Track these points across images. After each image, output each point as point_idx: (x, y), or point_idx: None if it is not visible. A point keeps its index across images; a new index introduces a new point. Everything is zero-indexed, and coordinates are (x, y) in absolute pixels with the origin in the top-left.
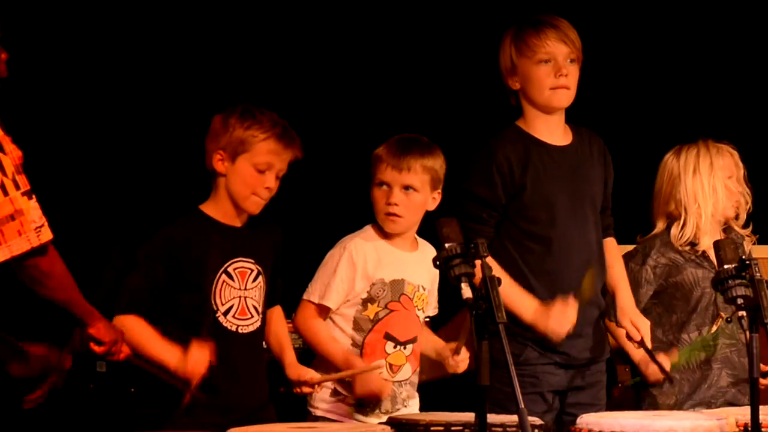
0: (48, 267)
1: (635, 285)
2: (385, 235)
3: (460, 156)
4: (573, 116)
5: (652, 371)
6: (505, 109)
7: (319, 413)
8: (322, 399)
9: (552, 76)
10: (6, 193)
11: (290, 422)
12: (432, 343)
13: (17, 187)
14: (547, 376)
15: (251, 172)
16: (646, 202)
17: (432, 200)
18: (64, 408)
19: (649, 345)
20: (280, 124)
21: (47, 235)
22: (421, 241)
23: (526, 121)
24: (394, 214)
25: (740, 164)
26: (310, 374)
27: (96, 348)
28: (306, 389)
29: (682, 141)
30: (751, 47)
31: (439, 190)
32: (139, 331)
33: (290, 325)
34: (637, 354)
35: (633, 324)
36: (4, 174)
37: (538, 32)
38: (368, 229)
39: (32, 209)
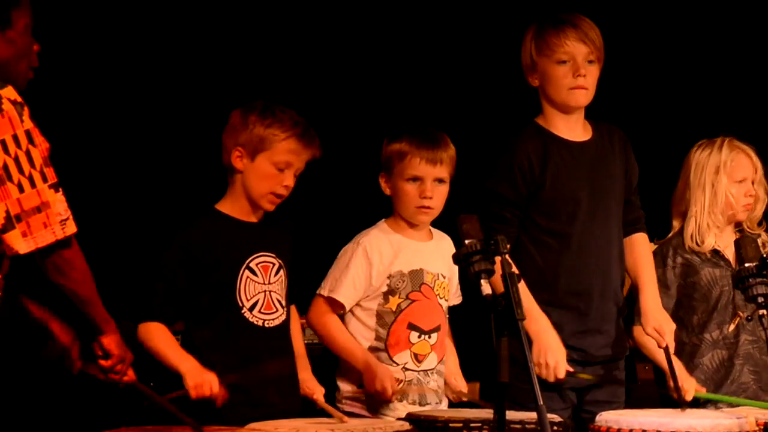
0: (71, 258)
1: (665, 289)
2: (400, 228)
3: (479, 153)
4: (596, 113)
5: (685, 389)
6: (524, 106)
7: (347, 409)
8: (349, 393)
9: (570, 76)
10: (33, 185)
11: (314, 417)
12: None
13: (44, 180)
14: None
15: (271, 171)
16: (656, 202)
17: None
18: (82, 401)
19: (672, 350)
20: (301, 124)
21: (72, 228)
22: (434, 231)
23: (546, 118)
24: (428, 207)
25: (758, 166)
26: (317, 395)
27: (102, 361)
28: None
29: (708, 137)
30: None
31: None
32: (159, 337)
33: (303, 321)
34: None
35: (657, 331)
36: (33, 166)
37: (558, 31)
38: (382, 224)
39: (58, 202)
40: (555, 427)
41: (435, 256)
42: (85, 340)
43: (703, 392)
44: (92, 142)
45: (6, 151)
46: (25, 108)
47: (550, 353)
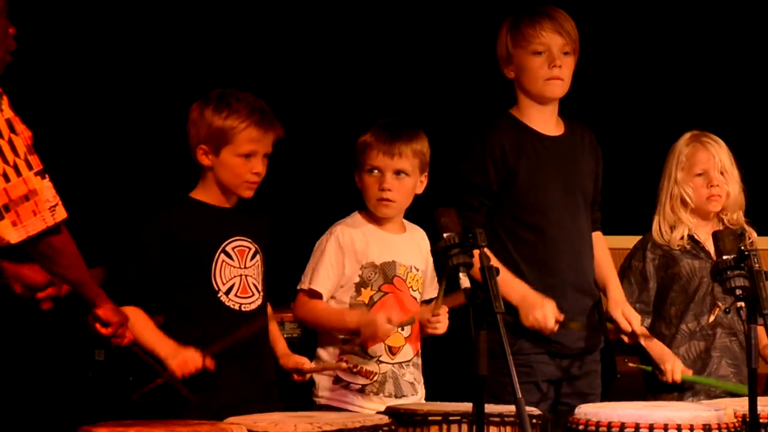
0: (61, 245)
1: (643, 281)
2: (373, 219)
3: (452, 143)
4: (571, 109)
5: (667, 369)
6: (498, 96)
7: (323, 402)
8: (325, 388)
9: (546, 67)
10: (19, 174)
11: (292, 411)
12: None
13: (30, 167)
14: (541, 366)
15: (237, 162)
16: (643, 196)
17: (420, 183)
18: (62, 396)
19: (642, 339)
20: (258, 109)
21: (61, 213)
22: (407, 223)
23: (520, 110)
24: (387, 200)
25: (722, 157)
26: (302, 362)
27: (102, 329)
28: (297, 377)
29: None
30: (752, 39)
31: (426, 173)
32: (135, 321)
33: (287, 315)
34: (656, 350)
35: (625, 316)
36: (17, 154)
37: (534, 23)
38: (355, 215)
39: (45, 189)
40: (534, 420)
41: (408, 248)
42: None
43: (689, 374)
44: (69, 133)
45: None
46: (4, 97)
47: (537, 309)
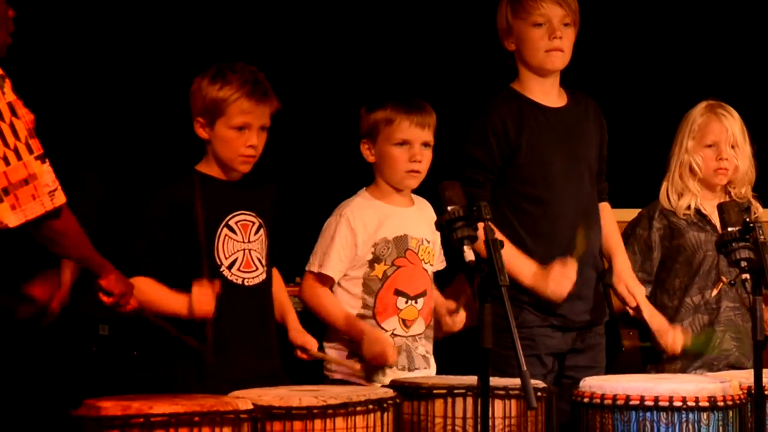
0: (62, 228)
1: (647, 250)
2: (381, 195)
3: (454, 118)
4: (577, 80)
5: (667, 342)
6: (499, 71)
7: (337, 376)
8: (339, 362)
9: (546, 39)
10: (19, 158)
11: (302, 385)
12: (435, 300)
13: (30, 151)
14: (544, 339)
15: (231, 135)
16: (649, 168)
17: None
18: (66, 371)
19: (645, 311)
20: (250, 80)
21: (60, 198)
22: (414, 197)
23: (521, 83)
24: (417, 171)
25: (735, 131)
26: (310, 344)
27: (105, 299)
28: (301, 354)
29: (694, 103)
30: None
31: None
32: (148, 290)
33: (294, 289)
34: (655, 322)
35: (628, 290)
36: (17, 138)
37: None
38: (362, 193)
39: (45, 173)
40: (539, 393)
41: (418, 221)
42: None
43: (688, 341)
44: (75, 107)
45: None
46: (7, 80)
47: (551, 281)
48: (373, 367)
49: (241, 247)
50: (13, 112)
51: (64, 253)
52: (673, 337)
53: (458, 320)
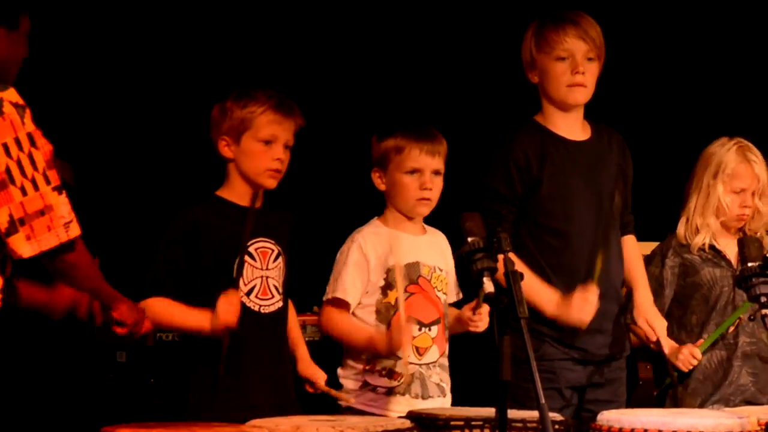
0: (75, 260)
1: (659, 288)
2: (394, 223)
3: (475, 148)
4: (601, 113)
5: (682, 360)
6: (524, 104)
7: (353, 405)
8: (351, 391)
9: (569, 74)
10: (36, 188)
11: (315, 414)
12: (451, 314)
13: (47, 182)
14: (564, 372)
15: (258, 148)
16: (669, 200)
17: None
18: (84, 397)
19: (665, 346)
20: (276, 96)
21: (75, 230)
22: (427, 226)
23: (545, 116)
24: (428, 199)
25: (762, 178)
26: (318, 377)
27: (119, 330)
28: (310, 389)
29: (709, 138)
30: None
31: None
32: (166, 308)
33: (311, 317)
34: (666, 347)
35: (649, 324)
36: (35, 168)
37: (558, 28)
38: (374, 222)
39: (62, 204)
40: (557, 426)
41: (430, 249)
42: None
43: (702, 347)
44: (95, 134)
45: (8, 154)
46: (27, 110)
47: (573, 311)
48: (387, 399)
49: (260, 274)
50: (32, 143)
51: (75, 284)
52: (688, 352)
53: (484, 314)
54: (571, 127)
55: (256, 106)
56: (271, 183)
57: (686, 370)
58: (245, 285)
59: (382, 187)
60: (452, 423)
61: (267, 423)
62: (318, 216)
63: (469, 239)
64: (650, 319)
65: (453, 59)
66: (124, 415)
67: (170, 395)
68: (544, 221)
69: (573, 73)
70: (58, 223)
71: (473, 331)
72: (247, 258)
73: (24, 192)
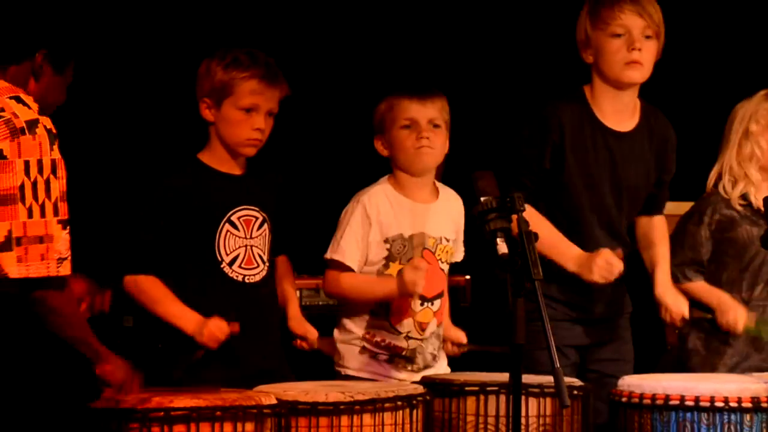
0: (57, 303)
1: (696, 245)
2: (402, 187)
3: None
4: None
5: (728, 320)
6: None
7: (351, 372)
8: (352, 357)
9: (624, 51)
10: (43, 215)
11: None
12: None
13: (56, 213)
14: (563, 331)
15: (238, 116)
16: (706, 160)
17: (446, 142)
18: (89, 364)
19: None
20: (262, 62)
21: (66, 269)
22: (442, 187)
23: (594, 97)
24: (428, 147)
25: None
26: (310, 333)
27: (106, 389)
28: (304, 345)
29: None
30: None
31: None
32: (154, 293)
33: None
34: (715, 299)
35: (668, 308)
36: (48, 197)
37: (614, 4)
38: (383, 182)
39: (62, 240)
40: (575, 391)
41: (438, 217)
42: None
43: (751, 323)
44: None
45: (27, 172)
46: (57, 140)
47: (596, 261)
48: (387, 367)
49: (243, 243)
50: (54, 171)
51: (56, 330)
52: (735, 315)
53: (460, 351)
54: (620, 113)
55: (239, 72)
56: (250, 151)
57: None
58: (227, 254)
59: (385, 152)
60: (467, 389)
61: (274, 389)
62: (318, 178)
63: (482, 199)
64: (668, 299)
65: (462, 18)
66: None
67: (178, 359)
68: (562, 203)
69: (629, 49)
70: (53, 255)
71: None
72: (229, 227)
73: (30, 214)
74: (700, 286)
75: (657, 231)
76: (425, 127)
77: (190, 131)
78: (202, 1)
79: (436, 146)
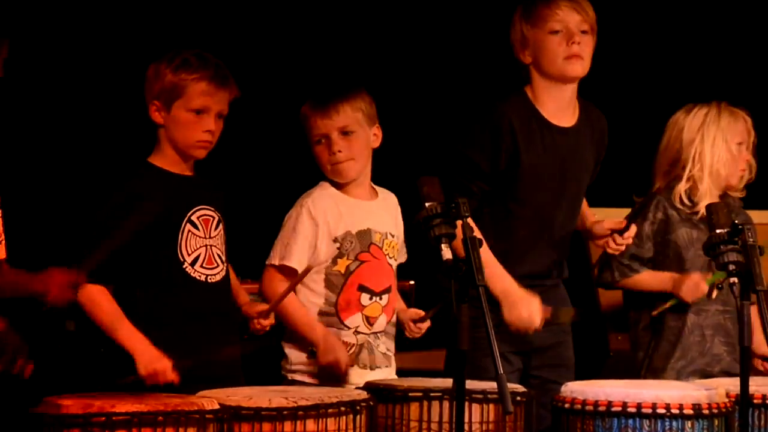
0: None
1: (641, 240)
2: (342, 186)
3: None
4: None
5: (687, 289)
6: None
7: (297, 377)
8: (297, 362)
9: (564, 45)
10: None
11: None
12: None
13: None
14: (507, 337)
15: (188, 118)
16: (642, 164)
17: (374, 137)
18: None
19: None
20: (212, 64)
21: (1, 252)
22: (379, 188)
23: (536, 95)
24: (340, 162)
25: (752, 132)
26: (263, 306)
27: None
28: (264, 322)
29: (683, 103)
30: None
31: (378, 125)
32: (105, 306)
33: (251, 286)
34: (667, 280)
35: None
36: None
37: (550, 2)
38: (323, 184)
39: None
40: (518, 398)
41: (381, 214)
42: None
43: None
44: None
45: None
46: None
47: (522, 305)
48: (328, 374)
49: (203, 243)
50: None
51: None
52: (694, 278)
53: (423, 327)
54: (563, 109)
55: (189, 73)
56: (201, 153)
57: (690, 301)
58: (189, 255)
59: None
60: (411, 394)
61: (217, 393)
62: (259, 182)
63: (427, 204)
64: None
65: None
66: (73, 385)
67: (121, 365)
68: (511, 204)
69: (569, 43)
70: None
71: (407, 335)
72: (191, 227)
73: None
74: (647, 275)
75: (586, 209)
76: (336, 139)
77: (135, 135)
78: (147, 3)
79: (351, 156)
